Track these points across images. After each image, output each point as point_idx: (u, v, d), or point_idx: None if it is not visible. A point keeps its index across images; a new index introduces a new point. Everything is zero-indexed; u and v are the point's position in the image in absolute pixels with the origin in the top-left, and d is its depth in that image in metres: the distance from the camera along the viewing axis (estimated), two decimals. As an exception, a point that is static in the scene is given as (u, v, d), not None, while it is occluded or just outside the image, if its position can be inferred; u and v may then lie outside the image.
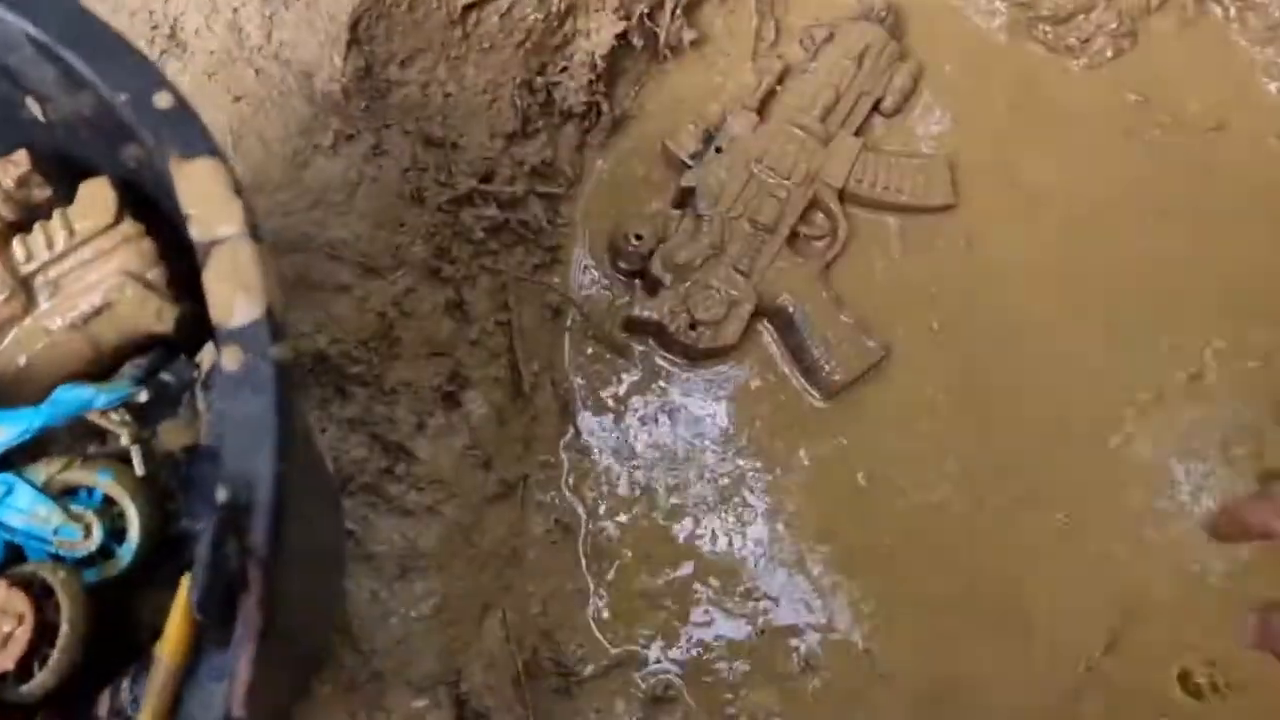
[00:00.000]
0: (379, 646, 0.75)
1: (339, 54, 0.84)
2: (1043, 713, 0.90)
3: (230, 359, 0.40)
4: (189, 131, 0.43)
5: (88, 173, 0.54)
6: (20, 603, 0.45)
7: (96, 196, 0.53)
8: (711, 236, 0.95)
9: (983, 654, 0.91)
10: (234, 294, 0.41)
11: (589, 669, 0.89)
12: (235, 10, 0.85)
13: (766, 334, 0.98)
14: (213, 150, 0.43)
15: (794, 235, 0.99)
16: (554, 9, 0.96)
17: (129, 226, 0.53)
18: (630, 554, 0.93)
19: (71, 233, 0.53)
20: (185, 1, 0.85)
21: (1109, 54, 1.08)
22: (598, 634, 0.91)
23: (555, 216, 1.00)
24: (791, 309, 0.95)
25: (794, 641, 0.92)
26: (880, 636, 0.92)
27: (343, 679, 0.73)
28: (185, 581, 0.40)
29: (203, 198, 0.42)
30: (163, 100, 0.44)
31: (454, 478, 0.84)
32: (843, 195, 1.00)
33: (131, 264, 0.53)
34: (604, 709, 0.89)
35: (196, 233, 0.41)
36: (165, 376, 0.53)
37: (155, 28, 0.85)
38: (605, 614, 0.91)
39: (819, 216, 1.00)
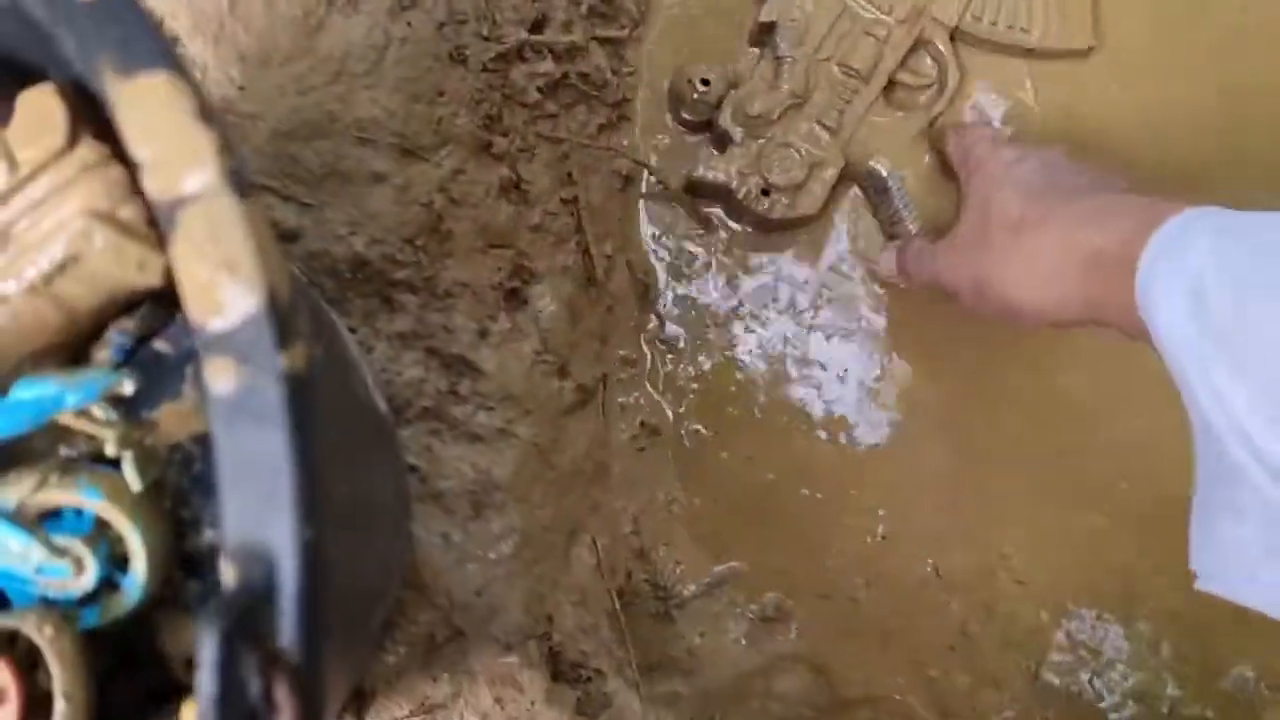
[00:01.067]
0: (457, 599, 0.65)
1: (348, -119, 0.68)
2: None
3: (220, 376, 0.27)
4: (129, 31, 0.29)
5: (27, 79, 0.41)
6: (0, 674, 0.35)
7: (42, 112, 0.40)
8: (793, 83, 0.79)
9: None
10: (216, 278, 0.28)
11: (690, 589, 0.80)
12: None
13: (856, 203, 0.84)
14: (168, 58, 0.29)
15: (893, 84, 0.82)
16: None
17: (89, 150, 0.40)
18: (728, 456, 0.82)
19: (13, 164, 0.40)
20: None
21: None
22: (697, 550, 0.80)
23: (620, 65, 0.84)
24: (886, 175, 0.80)
25: (916, 549, 0.81)
26: (1017, 543, 0.81)
27: (419, 640, 0.63)
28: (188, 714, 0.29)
29: (157, 133, 0.28)
30: (89, -14, 0.30)
31: (526, 390, 0.72)
32: (955, 35, 0.82)
33: (98, 201, 0.40)
34: (709, 631, 0.80)
35: (153, 187, 0.28)
36: (159, 345, 0.41)
37: None
38: (705, 527, 0.81)
39: (925, 61, 0.82)
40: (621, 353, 0.81)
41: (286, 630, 0.26)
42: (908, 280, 0.77)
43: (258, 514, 0.27)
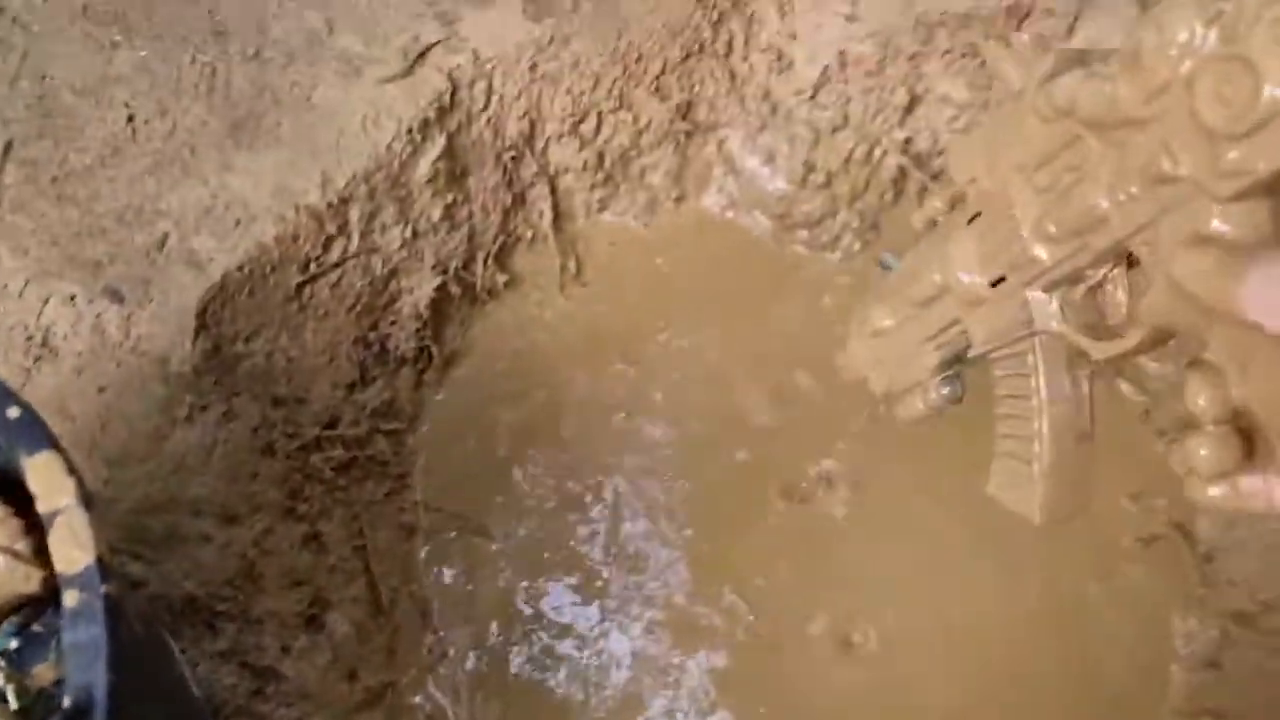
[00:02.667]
0: None
1: (189, 340, 0.99)
2: None
3: (71, 599, 0.53)
4: (34, 433, 0.57)
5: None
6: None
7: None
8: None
9: None
10: (72, 549, 0.54)
11: None
12: (98, 315, 1.00)
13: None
14: (53, 444, 0.57)
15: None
16: (378, 274, 1.14)
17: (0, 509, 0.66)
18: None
19: (-50, 522, 0.65)
20: (55, 313, 1.01)
21: (857, 247, 1.29)
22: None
23: (400, 448, 1.14)
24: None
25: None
26: None
27: None
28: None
29: (46, 481, 0.56)
30: (13, 412, 0.58)
31: (319, 690, 0.95)
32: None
33: (1, 539, 0.66)
34: None
35: (42, 507, 0.55)
36: (36, 628, 0.65)
37: (30, 338, 1.00)
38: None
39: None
40: (406, 663, 1.05)
41: (98, 725, 0.50)
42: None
43: (87, 667, 0.51)
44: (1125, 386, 1.18)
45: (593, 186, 1.27)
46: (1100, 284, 0.54)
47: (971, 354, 0.63)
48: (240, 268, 1.02)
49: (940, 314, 0.65)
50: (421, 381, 1.19)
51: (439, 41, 1.18)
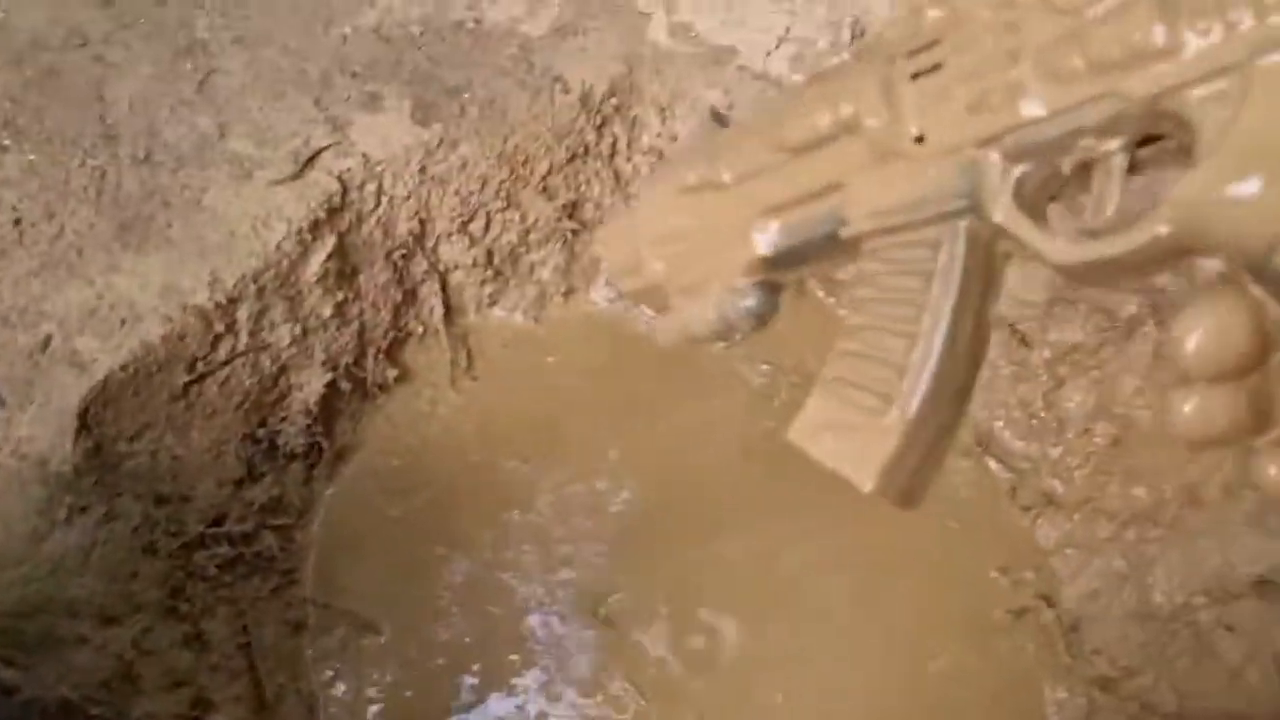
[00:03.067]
0: None
1: (69, 441, 1.00)
2: None
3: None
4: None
5: None
6: None
7: None
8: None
9: None
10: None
11: None
12: (-24, 419, 1.00)
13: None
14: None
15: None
16: (267, 371, 1.15)
17: None
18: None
19: None
20: (-68, 417, 1.00)
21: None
22: None
23: (289, 543, 1.15)
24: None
25: None
26: None
27: None
28: None
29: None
30: None
31: (201, 790, 0.93)
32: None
33: None
34: None
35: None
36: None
37: (-95, 443, 0.99)
38: None
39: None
40: (293, 759, 1.04)
41: None
42: None
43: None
44: (993, 464, 1.24)
45: (483, 282, 1.31)
46: (1092, 165, 0.39)
47: (845, 233, 0.45)
48: (124, 368, 1.03)
49: (810, 173, 0.46)
50: (311, 476, 1.19)
51: (330, 145, 1.21)
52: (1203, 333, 0.32)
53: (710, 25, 1.33)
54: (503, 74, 1.29)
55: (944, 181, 0.41)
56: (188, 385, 1.10)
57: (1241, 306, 0.32)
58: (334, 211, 1.19)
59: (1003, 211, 0.40)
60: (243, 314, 1.13)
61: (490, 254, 1.29)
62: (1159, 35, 0.34)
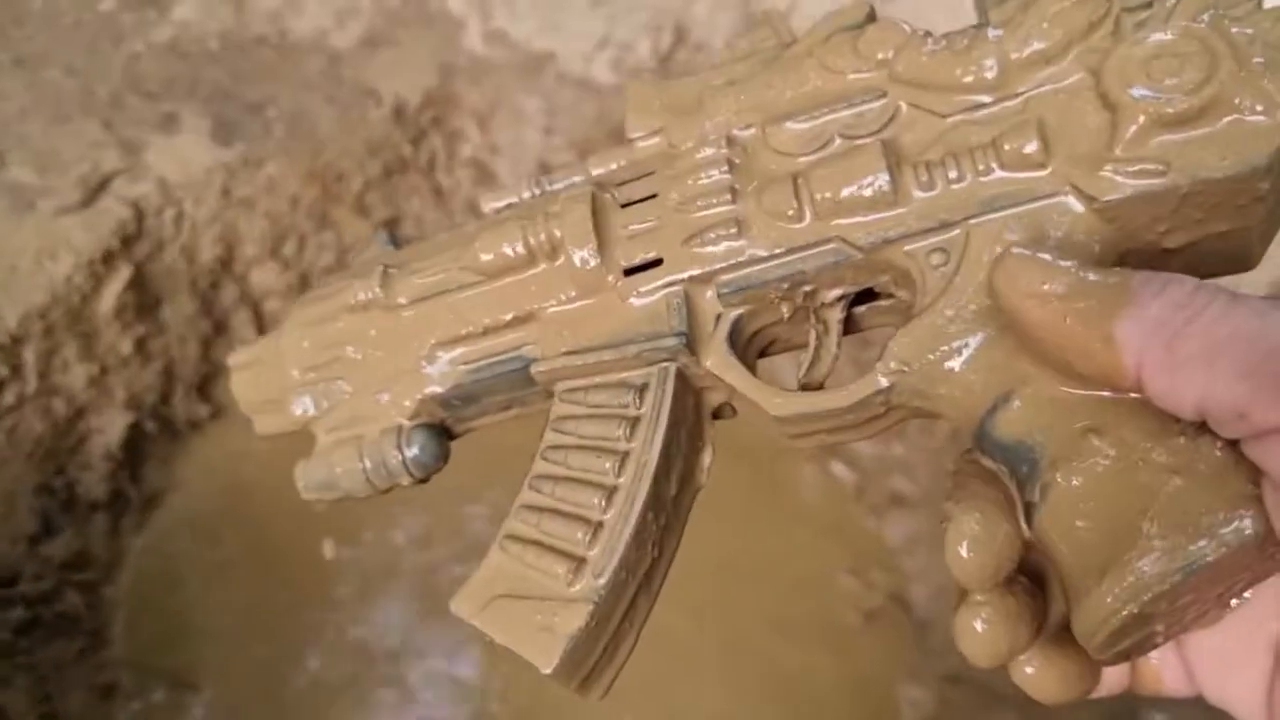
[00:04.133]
0: None
1: None
2: None
3: None
4: None
5: None
6: None
7: None
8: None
9: None
10: None
11: None
12: None
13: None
14: None
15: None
16: (61, 415, 1.07)
17: None
18: None
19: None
20: None
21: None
22: None
23: (95, 601, 1.06)
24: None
25: None
26: None
27: None
28: None
29: None
30: None
31: None
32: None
33: None
34: None
35: None
36: None
37: None
38: None
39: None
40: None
41: None
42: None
43: None
44: (837, 467, 1.23)
45: (300, 308, 1.24)
46: (816, 309, 0.37)
47: (537, 370, 0.38)
48: (-112, 421, 0.94)
49: (501, 300, 0.39)
50: (118, 527, 1.11)
51: (122, 170, 1.13)
52: (966, 544, 0.31)
53: (526, 31, 1.29)
54: (310, 88, 1.23)
55: (652, 320, 0.36)
56: (-32, 437, 1.00)
57: (984, 516, 0.31)
58: (129, 240, 1.11)
59: (715, 356, 0.36)
60: (29, 354, 1.04)
61: (305, 278, 1.22)
62: (882, 184, 0.34)
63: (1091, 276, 0.29)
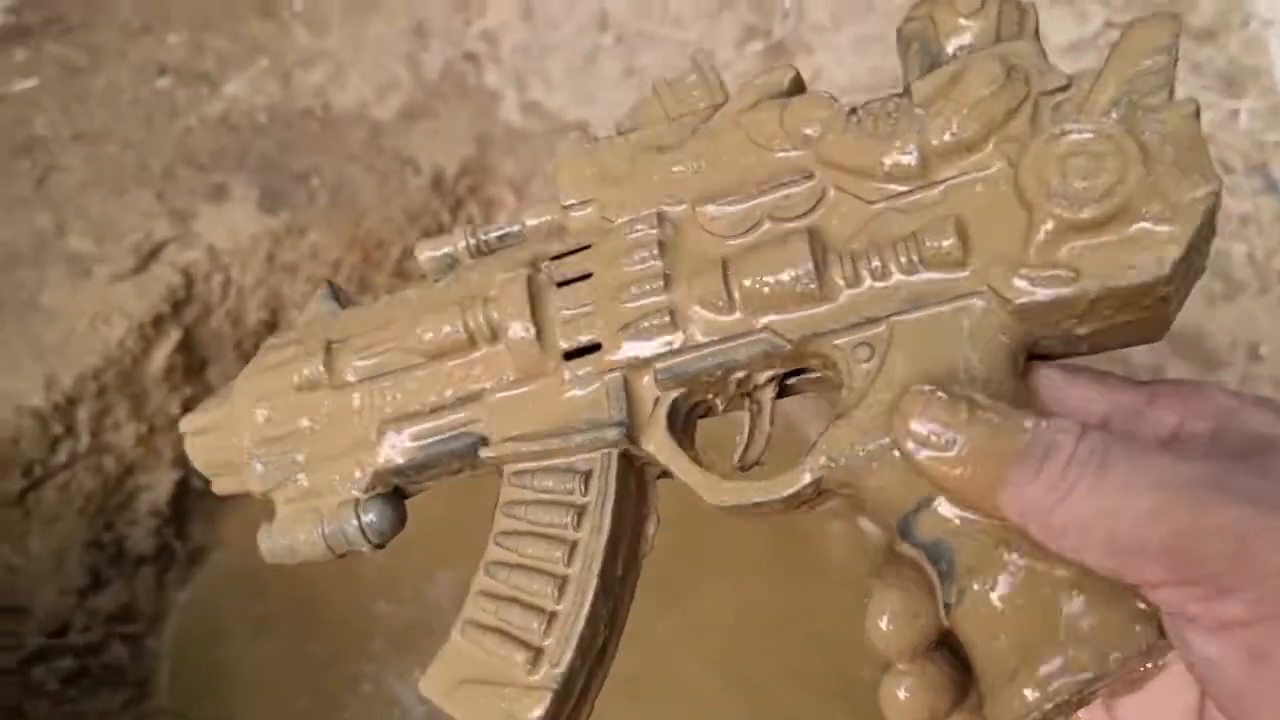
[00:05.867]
0: None
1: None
2: None
3: None
4: None
5: None
6: None
7: None
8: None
9: None
10: None
11: None
12: None
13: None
14: None
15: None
16: (112, 473, 1.11)
17: None
18: None
19: None
20: None
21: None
22: None
23: (140, 652, 1.09)
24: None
25: None
26: None
27: None
28: None
29: None
30: None
31: None
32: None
33: None
34: None
35: None
36: None
37: None
38: None
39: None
40: None
41: None
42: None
43: None
44: (865, 524, 1.25)
45: (341, 369, 1.28)
46: (749, 391, 0.38)
47: (485, 455, 0.39)
48: (-49, 478, 0.98)
49: (448, 380, 0.40)
50: (164, 581, 1.15)
51: (173, 238, 1.19)
52: (886, 619, 0.33)
53: (560, 102, 1.35)
54: (351, 159, 1.28)
55: (593, 407, 0.37)
56: (24, 492, 1.05)
57: (905, 595, 0.34)
58: (178, 305, 1.16)
59: (656, 442, 0.37)
60: (82, 414, 1.09)
61: (346, 339, 1.27)
62: (808, 279, 0.35)
63: (979, 431, 0.31)
